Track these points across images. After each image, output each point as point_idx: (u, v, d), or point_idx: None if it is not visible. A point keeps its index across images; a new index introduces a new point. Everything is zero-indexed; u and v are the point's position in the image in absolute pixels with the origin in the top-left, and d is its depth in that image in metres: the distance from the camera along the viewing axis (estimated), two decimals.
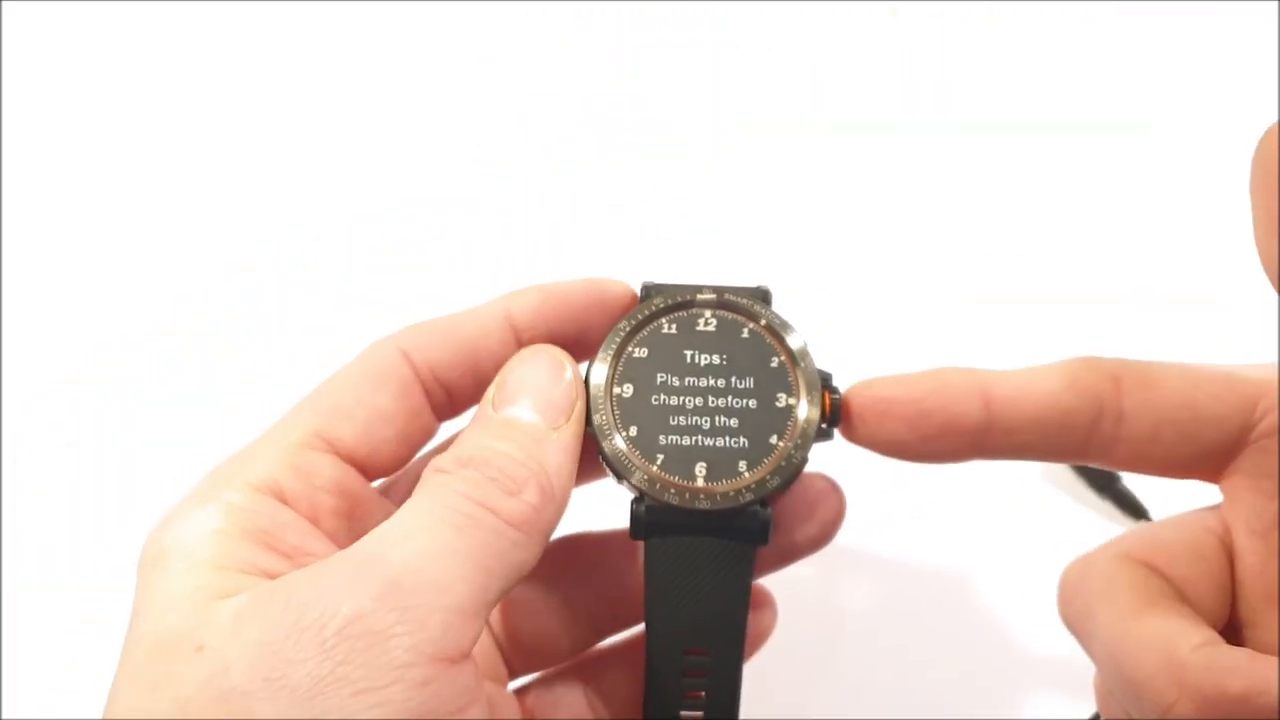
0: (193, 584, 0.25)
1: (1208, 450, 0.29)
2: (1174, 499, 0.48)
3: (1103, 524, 0.49)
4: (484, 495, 0.26)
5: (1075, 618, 0.29)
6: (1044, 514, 0.50)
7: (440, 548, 0.25)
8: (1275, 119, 0.24)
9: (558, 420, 0.29)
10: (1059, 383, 0.29)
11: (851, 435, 0.31)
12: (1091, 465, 0.31)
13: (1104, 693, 0.30)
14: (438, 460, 0.28)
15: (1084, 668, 0.46)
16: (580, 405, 0.30)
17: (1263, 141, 0.24)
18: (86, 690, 0.46)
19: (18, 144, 0.62)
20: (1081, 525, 0.49)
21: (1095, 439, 0.29)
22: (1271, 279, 0.24)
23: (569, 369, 0.30)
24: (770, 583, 0.37)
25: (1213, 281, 0.54)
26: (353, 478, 0.30)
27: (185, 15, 0.67)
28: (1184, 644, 0.25)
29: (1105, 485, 0.49)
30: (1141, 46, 0.63)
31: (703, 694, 0.32)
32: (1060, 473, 0.50)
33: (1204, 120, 0.59)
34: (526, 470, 0.27)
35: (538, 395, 0.29)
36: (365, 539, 0.26)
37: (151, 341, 0.56)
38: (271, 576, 0.26)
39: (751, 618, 0.32)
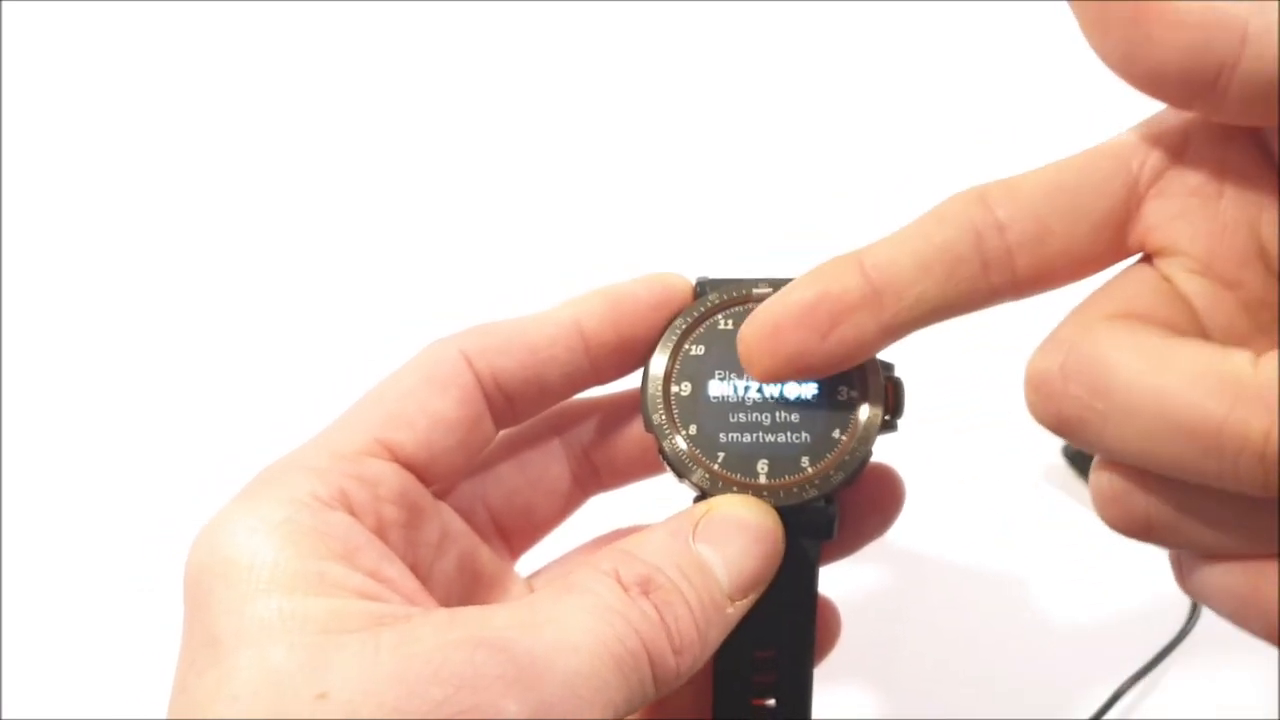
0: (287, 609, 0.24)
1: (1104, 222, 0.26)
2: None
3: (1103, 524, 0.49)
4: (654, 640, 0.26)
5: (1075, 404, 0.24)
6: (1044, 514, 0.50)
7: (596, 683, 0.24)
8: None
9: (737, 594, 0.28)
10: (927, 223, 0.27)
11: (760, 374, 0.28)
12: (1008, 300, 0.28)
13: (1112, 495, 0.25)
14: (619, 561, 0.27)
15: (1084, 668, 0.47)
16: (758, 594, 0.29)
17: None
18: (86, 691, 0.47)
19: (18, 144, 0.61)
20: (1081, 525, 0.50)
21: (990, 264, 0.26)
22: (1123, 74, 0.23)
23: (776, 553, 0.29)
24: None
25: None
26: (413, 486, 0.29)
27: (210, 16, 0.66)
28: (1239, 366, 0.21)
29: None
30: None
31: (771, 700, 0.32)
32: (1060, 473, 0.51)
33: None
34: (695, 634, 0.26)
35: (736, 557, 0.28)
36: (523, 618, 0.25)
37: (175, 332, 0.55)
38: (364, 597, 0.25)
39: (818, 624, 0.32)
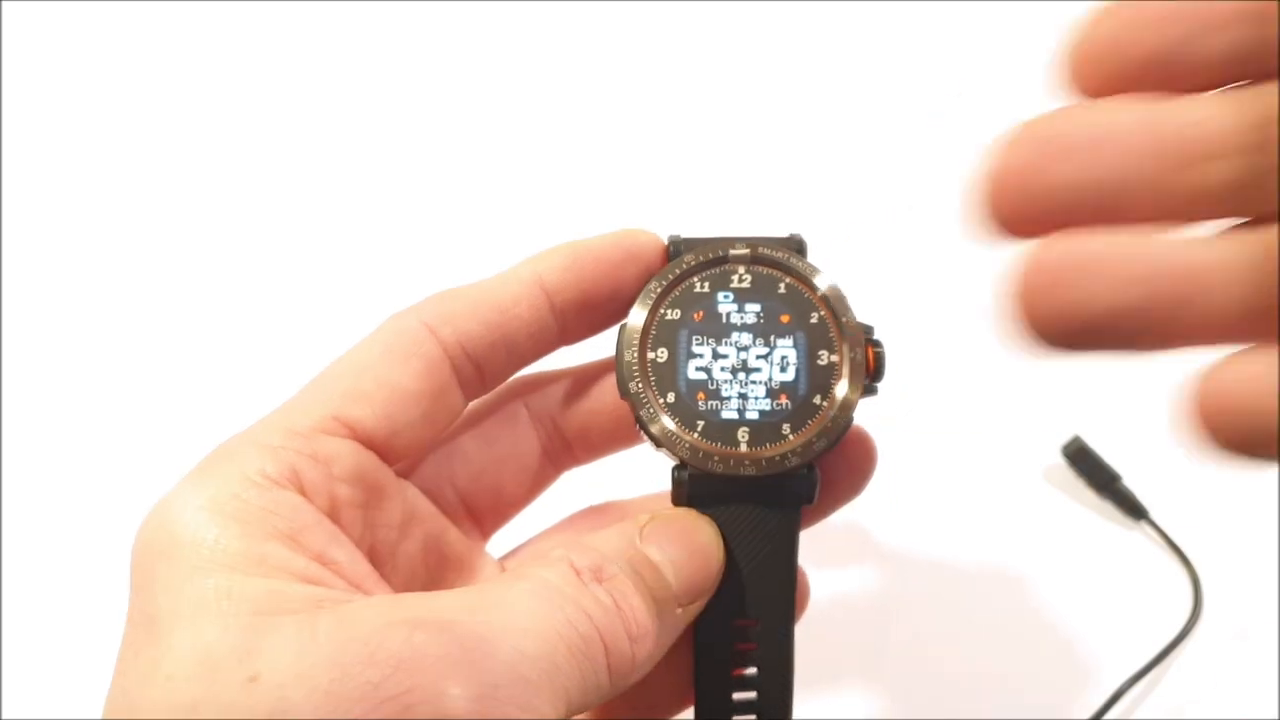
0: (224, 588, 0.23)
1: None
2: (1171, 500, 0.49)
3: (1103, 524, 0.49)
4: (609, 626, 0.25)
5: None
6: (1044, 514, 0.49)
7: (546, 666, 0.24)
8: None
9: (684, 599, 0.28)
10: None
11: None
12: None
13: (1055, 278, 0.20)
14: (572, 550, 0.27)
15: (1084, 668, 0.46)
16: (703, 603, 0.29)
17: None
18: (86, 691, 0.47)
19: (18, 144, 0.61)
20: (1081, 525, 0.49)
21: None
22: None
23: (718, 563, 0.29)
24: None
25: None
26: (372, 463, 0.28)
27: (197, 14, 0.66)
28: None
29: (1105, 485, 0.49)
30: None
31: (752, 669, 0.31)
32: (1060, 472, 0.50)
33: None
34: (650, 627, 0.26)
35: (681, 559, 0.28)
36: (469, 601, 0.24)
37: (137, 309, 0.55)
38: (305, 580, 0.24)
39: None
